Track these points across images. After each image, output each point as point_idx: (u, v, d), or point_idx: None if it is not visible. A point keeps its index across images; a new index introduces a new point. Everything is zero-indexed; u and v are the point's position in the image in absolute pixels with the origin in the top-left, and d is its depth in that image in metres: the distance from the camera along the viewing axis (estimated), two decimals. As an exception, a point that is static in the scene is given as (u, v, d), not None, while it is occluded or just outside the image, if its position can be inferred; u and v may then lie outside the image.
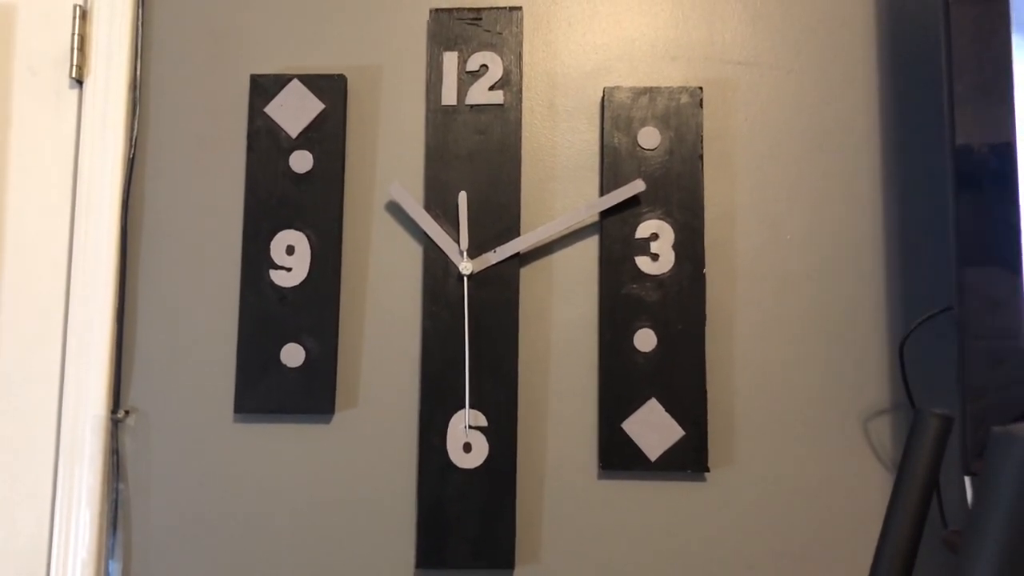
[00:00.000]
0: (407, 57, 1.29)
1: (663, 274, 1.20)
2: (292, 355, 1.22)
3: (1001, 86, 1.02)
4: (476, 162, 1.24)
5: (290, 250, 1.24)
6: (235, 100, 1.30)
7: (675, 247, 1.21)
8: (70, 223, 1.29)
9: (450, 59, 1.26)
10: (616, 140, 1.23)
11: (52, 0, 1.32)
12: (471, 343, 1.20)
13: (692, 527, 1.19)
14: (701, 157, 1.22)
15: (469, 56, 1.25)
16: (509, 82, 1.24)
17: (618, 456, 1.18)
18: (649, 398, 1.18)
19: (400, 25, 1.30)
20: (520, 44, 1.25)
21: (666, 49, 1.28)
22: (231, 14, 1.32)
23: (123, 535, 1.24)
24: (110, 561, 1.23)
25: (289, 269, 1.23)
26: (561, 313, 1.24)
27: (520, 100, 1.24)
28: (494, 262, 1.21)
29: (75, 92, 1.31)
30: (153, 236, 1.29)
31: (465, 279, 1.21)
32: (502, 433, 1.19)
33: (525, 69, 1.28)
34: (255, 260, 1.24)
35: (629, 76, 1.28)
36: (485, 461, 1.18)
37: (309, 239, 1.24)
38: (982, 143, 1.02)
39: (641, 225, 1.21)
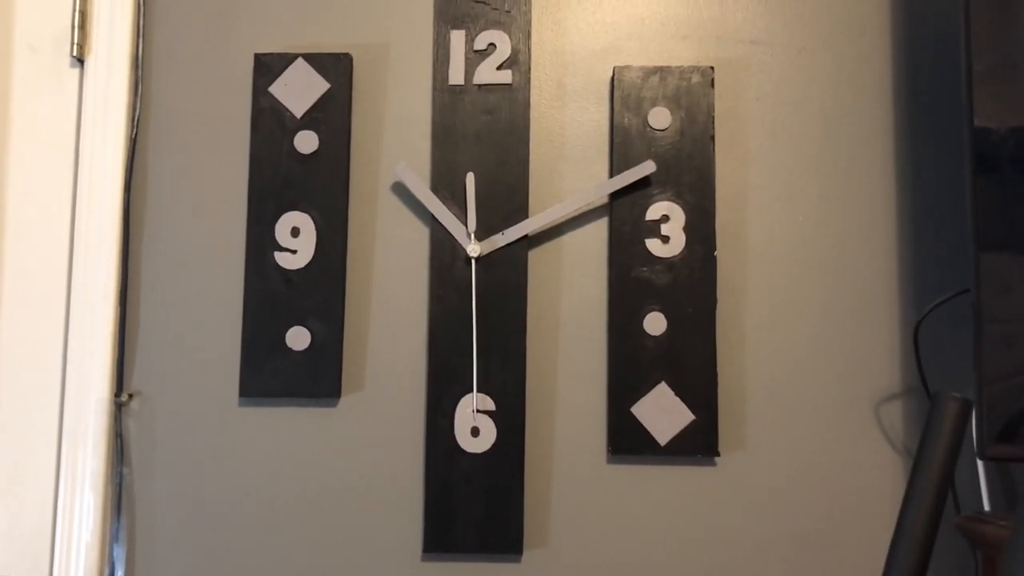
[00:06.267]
0: (414, 36, 1.27)
1: (673, 257, 1.19)
2: (297, 338, 1.20)
3: (1023, 65, 1.00)
4: (484, 143, 1.22)
5: (295, 232, 1.22)
6: (239, 79, 1.28)
7: (686, 229, 1.19)
8: (71, 204, 1.28)
9: (457, 38, 1.24)
10: (626, 120, 1.21)
11: (52, -23, 1.30)
12: (479, 326, 1.19)
13: (702, 512, 1.18)
14: (712, 138, 1.20)
15: (477, 35, 1.23)
16: (517, 61, 1.22)
17: (627, 440, 1.17)
18: (659, 382, 1.17)
19: (406, 3, 1.28)
20: (528, 22, 1.23)
21: (677, 28, 1.26)
22: (234, -9, 1.30)
23: (127, 519, 1.23)
24: (114, 545, 1.22)
25: (294, 251, 1.22)
26: (570, 296, 1.22)
27: (528, 80, 1.22)
28: (502, 244, 1.20)
29: (76, 71, 1.29)
30: (156, 217, 1.27)
31: (473, 261, 1.20)
32: (510, 417, 1.17)
33: (533, 48, 1.26)
34: (260, 242, 1.22)
35: (639, 55, 1.26)
36: (493, 445, 1.17)
37: (314, 221, 1.22)
38: (1002, 125, 1.00)
39: (651, 207, 1.20)
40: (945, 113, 1.23)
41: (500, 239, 1.20)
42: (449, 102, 1.23)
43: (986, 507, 1.14)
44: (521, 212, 1.21)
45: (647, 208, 1.20)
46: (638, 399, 1.17)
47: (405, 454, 1.21)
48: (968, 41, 1.02)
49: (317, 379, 1.20)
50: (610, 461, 1.20)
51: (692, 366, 1.17)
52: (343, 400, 1.23)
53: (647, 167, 1.19)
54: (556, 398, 1.21)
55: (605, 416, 1.20)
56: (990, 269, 1.00)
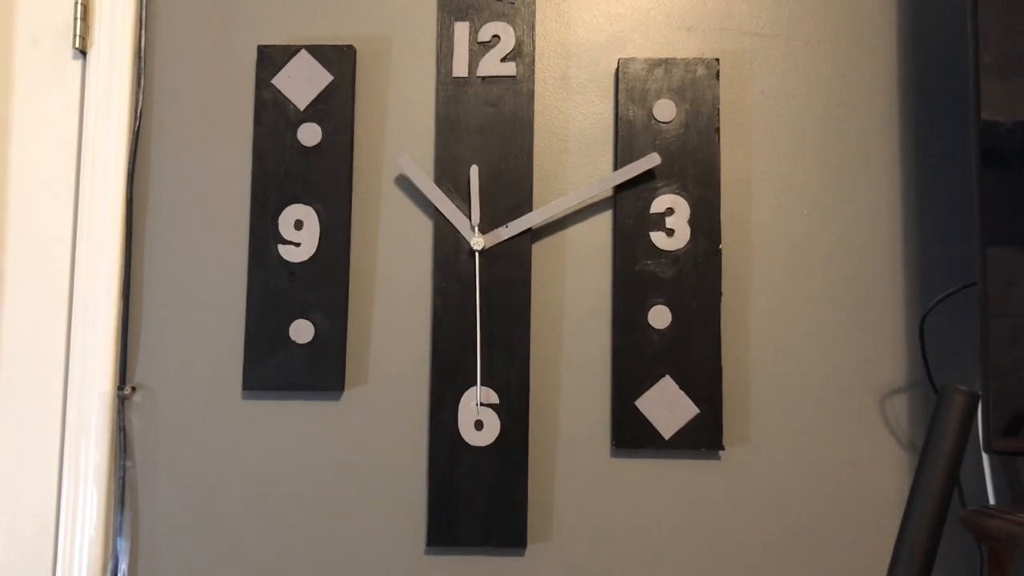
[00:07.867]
0: (417, 27, 1.27)
1: (678, 250, 1.18)
2: (301, 331, 1.20)
3: (1030, 56, 1.00)
4: (488, 135, 1.21)
5: (298, 224, 1.22)
6: (242, 71, 1.28)
7: (691, 222, 1.19)
8: (74, 197, 1.27)
9: (461, 29, 1.23)
10: (631, 113, 1.21)
11: (54, -32, 1.29)
12: (482, 319, 1.19)
13: (706, 506, 1.18)
14: (717, 130, 1.19)
15: (481, 26, 1.23)
16: (521, 53, 1.22)
17: (632, 434, 1.17)
18: (663, 375, 1.17)
19: (410, -5, 1.28)
20: (533, 14, 1.22)
21: (682, 20, 1.25)
22: (237, -17, 1.29)
23: (130, 512, 1.23)
24: (118, 538, 1.22)
25: (298, 244, 1.22)
26: (574, 289, 1.22)
27: (533, 72, 1.22)
28: (506, 237, 1.19)
29: (78, 63, 1.28)
30: (159, 210, 1.27)
31: (476, 255, 1.19)
32: (514, 411, 1.17)
33: (538, 40, 1.26)
34: (263, 235, 1.22)
35: (644, 47, 1.25)
36: (497, 439, 1.17)
37: (318, 213, 1.22)
38: (1010, 117, 1.00)
39: (656, 200, 1.19)
40: (951, 106, 1.22)
41: (504, 232, 1.19)
42: (453, 94, 1.22)
43: (991, 501, 1.14)
44: (525, 205, 1.20)
45: (651, 201, 1.19)
46: (642, 393, 1.17)
47: (408, 448, 1.21)
48: (975, 33, 1.01)
49: (320, 372, 1.20)
50: (614, 455, 1.20)
51: (697, 359, 1.17)
52: (346, 394, 1.22)
53: (652, 160, 1.18)
54: (560, 392, 1.21)
55: (609, 410, 1.20)
56: (997, 263, 0.99)
